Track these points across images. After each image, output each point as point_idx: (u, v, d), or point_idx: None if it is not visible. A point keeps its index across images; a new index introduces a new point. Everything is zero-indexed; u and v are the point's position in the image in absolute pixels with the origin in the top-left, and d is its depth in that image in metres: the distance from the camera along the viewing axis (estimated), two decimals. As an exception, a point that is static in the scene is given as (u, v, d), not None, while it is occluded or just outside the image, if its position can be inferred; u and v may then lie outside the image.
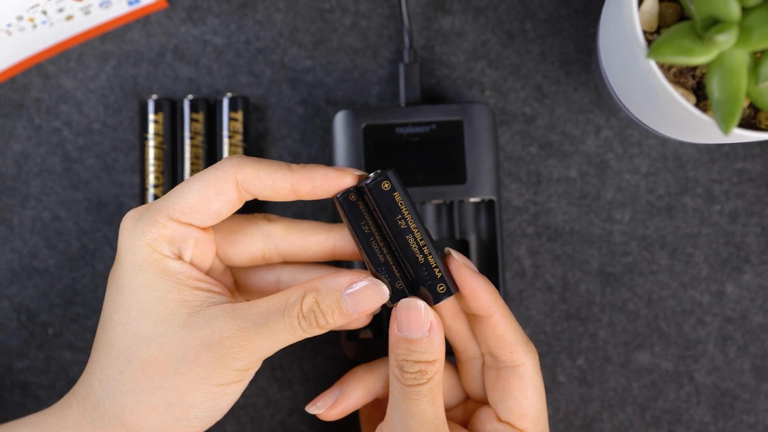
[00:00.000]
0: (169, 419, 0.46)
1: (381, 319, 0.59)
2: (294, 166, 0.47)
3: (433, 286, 0.46)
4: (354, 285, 0.46)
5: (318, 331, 0.46)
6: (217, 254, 0.50)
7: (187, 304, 0.46)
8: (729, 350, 0.60)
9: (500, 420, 0.50)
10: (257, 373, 0.60)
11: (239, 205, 0.47)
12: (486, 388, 0.51)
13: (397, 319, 0.47)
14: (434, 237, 0.59)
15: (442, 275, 0.47)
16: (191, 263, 0.47)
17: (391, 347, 0.47)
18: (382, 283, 0.47)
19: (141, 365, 0.46)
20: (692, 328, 0.60)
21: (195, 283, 0.46)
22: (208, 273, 0.49)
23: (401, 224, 0.46)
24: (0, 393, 0.60)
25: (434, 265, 0.46)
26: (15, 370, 0.60)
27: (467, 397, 0.53)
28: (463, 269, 0.47)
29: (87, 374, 0.48)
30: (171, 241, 0.46)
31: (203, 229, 0.47)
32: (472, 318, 0.50)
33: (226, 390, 0.46)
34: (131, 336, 0.46)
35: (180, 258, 0.46)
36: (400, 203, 0.46)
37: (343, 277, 0.46)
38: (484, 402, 0.52)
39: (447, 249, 0.48)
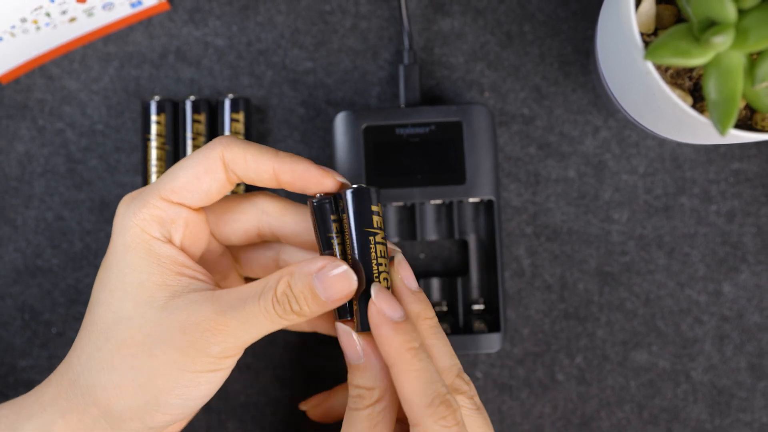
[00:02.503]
0: (140, 402, 0.45)
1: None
2: (281, 154, 0.47)
3: (364, 313, 0.46)
4: (325, 270, 0.45)
5: (295, 318, 0.46)
6: (213, 234, 0.50)
7: (168, 287, 0.46)
8: (726, 349, 0.61)
9: None
10: (259, 372, 0.60)
11: (229, 187, 0.47)
12: None
13: (342, 345, 0.47)
14: (434, 237, 0.59)
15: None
16: (181, 247, 0.47)
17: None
18: (354, 273, 0.46)
19: (117, 345, 0.45)
20: (689, 327, 0.61)
21: (179, 269, 0.46)
22: (204, 255, 0.50)
23: (369, 240, 0.46)
24: (4, 391, 0.60)
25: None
26: (19, 369, 0.61)
27: None
28: (373, 316, 0.45)
29: (70, 353, 0.48)
30: (161, 222, 0.46)
31: (195, 210, 0.47)
32: None
33: (200, 378, 0.45)
34: (112, 315, 0.46)
35: (169, 241, 0.47)
36: (376, 221, 0.46)
37: (318, 263, 0.46)
38: None
39: (395, 256, 0.47)
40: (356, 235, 0.46)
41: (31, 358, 0.61)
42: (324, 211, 0.46)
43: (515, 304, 0.61)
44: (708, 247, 0.61)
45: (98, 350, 0.46)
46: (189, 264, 0.47)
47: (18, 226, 0.61)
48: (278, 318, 0.45)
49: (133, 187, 0.61)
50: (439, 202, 0.59)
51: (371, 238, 0.46)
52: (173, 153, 0.60)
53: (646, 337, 0.61)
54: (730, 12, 0.44)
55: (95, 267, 0.61)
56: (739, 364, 0.60)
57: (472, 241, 0.59)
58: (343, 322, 0.47)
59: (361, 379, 0.46)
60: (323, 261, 0.46)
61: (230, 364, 0.46)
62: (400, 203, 0.58)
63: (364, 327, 0.46)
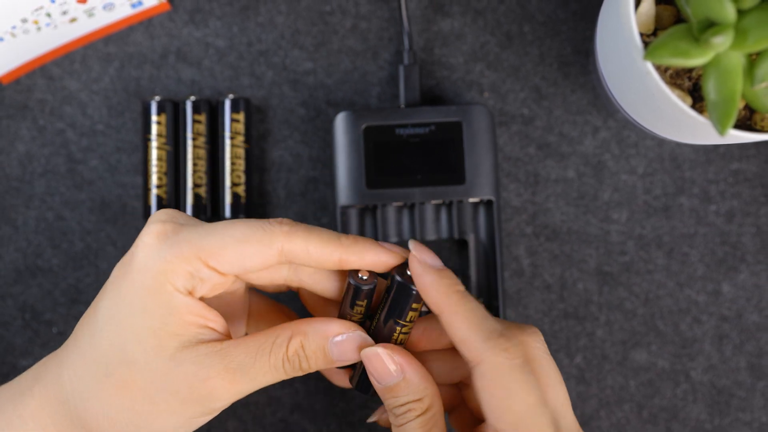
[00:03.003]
0: None
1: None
2: (344, 240, 0.46)
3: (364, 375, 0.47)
4: (342, 335, 0.46)
5: (299, 374, 0.46)
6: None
7: (179, 337, 0.45)
8: (725, 349, 0.61)
9: (492, 428, 0.45)
10: (259, 372, 0.60)
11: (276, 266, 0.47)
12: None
13: (369, 371, 0.46)
14: (433, 237, 0.59)
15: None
16: (200, 297, 0.46)
17: (382, 398, 0.47)
18: (369, 338, 0.46)
19: (119, 384, 0.45)
20: (688, 326, 0.61)
21: (194, 319, 0.45)
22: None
23: (396, 329, 0.47)
24: (4, 391, 0.61)
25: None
26: (19, 368, 0.61)
27: None
28: (415, 265, 0.46)
29: (59, 364, 0.46)
30: (189, 278, 0.44)
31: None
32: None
33: (197, 421, 0.46)
34: (117, 354, 0.45)
35: (190, 294, 0.45)
36: (410, 316, 0.46)
37: (333, 325, 0.46)
38: None
39: (411, 240, 0.47)
40: (385, 319, 0.46)
41: (32, 358, 0.61)
42: (363, 293, 0.46)
43: (515, 304, 0.61)
44: (707, 247, 0.61)
45: (97, 382, 0.45)
46: (204, 313, 0.45)
47: (18, 226, 0.61)
48: (284, 374, 0.46)
49: (134, 188, 0.61)
50: (438, 202, 0.59)
51: (398, 328, 0.47)
52: (174, 153, 0.60)
53: (646, 337, 0.61)
54: (730, 12, 0.44)
55: (96, 267, 0.61)
56: (738, 363, 0.61)
57: (471, 241, 0.59)
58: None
59: (406, 395, 0.45)
60: (340, 327, 0.46)
61: (224, 407, 0.46)
62: (400, 203, 0.58)
63: (360, 387, 0.48)
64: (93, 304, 0.46)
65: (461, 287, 0.45)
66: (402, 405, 0.45)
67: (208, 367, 0.44)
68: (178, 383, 0.44)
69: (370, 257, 0.46)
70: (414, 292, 0.45)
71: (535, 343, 0.45)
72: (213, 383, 0.44)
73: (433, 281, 0.45)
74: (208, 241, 0.44)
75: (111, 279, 0.46)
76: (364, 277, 0.46)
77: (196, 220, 0.46)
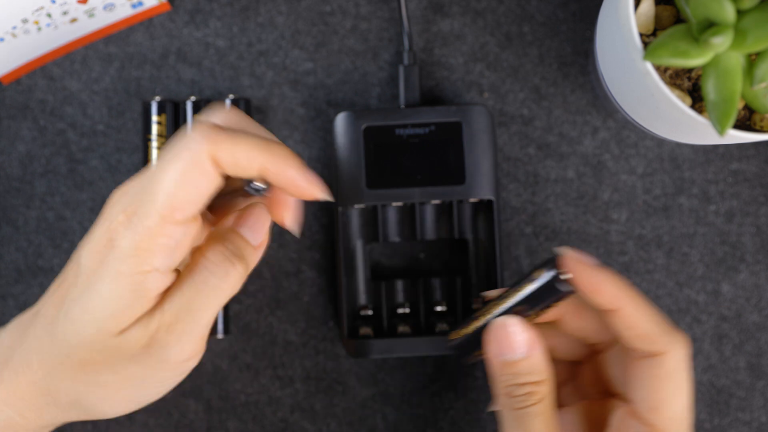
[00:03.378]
0: (107, 406, 0.47)
1: (381, 318, 0.59)
2: (273, 149, 0.44)
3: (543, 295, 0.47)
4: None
5: (241, 269, 0.45)
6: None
7: (137, 316, 0.44)
8: (724, 348, 0.61)
9: (635, 416, 0.47)
10: (259, 372, 0.61)
11: (222, 185, 0.45)
12: (625, 379, 0.48)
13: (492, 342, 0.45)
14: (433, 237, 0.60)
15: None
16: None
17: (495, 373, 0.46)
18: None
19: (80, 363, 0.45)
20: (688, 326, 0.61)
21: (159, 298, 0.45)
22: None
23: (530, 312, 0.47)
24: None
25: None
26: (20, 369, 0.61)
27: (606, 392, 0.51)
28: (579, 266, 0.46)
29: (27, 350, 0.46)
30: (169, 252, 0.43)
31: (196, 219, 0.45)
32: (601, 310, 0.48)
33: (165, 384, 0.47)
34: (76, 337, 0.44)
35: (169, 271, 0.44)
36: (549, 306, 0.47)
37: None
38: (623, 397, 0.49)
39: (558, 249, 0.47)
40: (516, 305, 0.47)
41: (33, 358, 0.61)
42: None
43: (515, 304, 0.61)
44: (707, 247, 0.61)
45: (60, 364, 0.45)
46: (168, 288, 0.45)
47: (19, 226, 0.61)
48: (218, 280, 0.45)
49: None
50: (438, 202, 0.59)
51: (527, 317, 0.47)
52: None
53: (645, 337, 0.61)
54: (729, 13, 0.44)
55: (96, 267, 0.61)
56: (737, 363, 0.61)
57: (471, 241, 0.60)
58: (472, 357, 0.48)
59: (527, 374, 0.45)
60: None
61: (192, 365, 0.46)
62: (400, 203, 0.58)
63: (460, 351, 0.48)
64: (65, 269, 0.46)
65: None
66: (522, 385, 0.45)
67: (119, 297, 0.44)
68: (134, 351, 0.44)
69: (289, 176, 0.44)
70: (568, 293, 0.46)
71: (682, 351, 0.47)
72: (160, 335, 0.44)
73: (607, 279, 0.46)
74: (157, 195, 0.43)
75: (82, 250, 0.45)
76: (260, 185, 0.46)
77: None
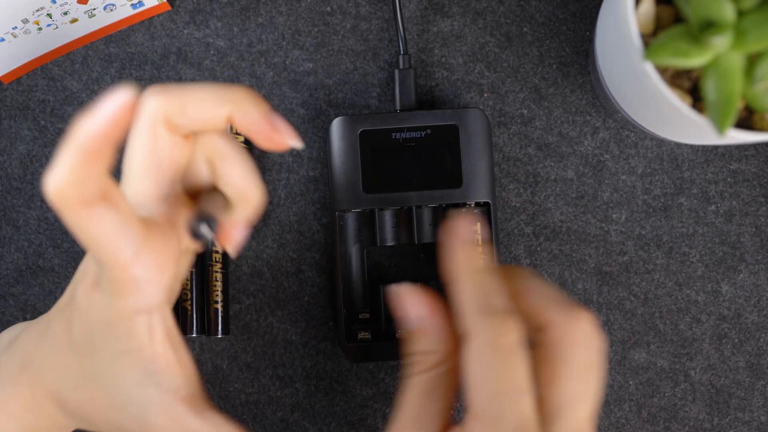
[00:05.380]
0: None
1: (380, 322, 0.59)
2: (236, 92, 0.42)
3: None
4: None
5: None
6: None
7: (141, 374, 0.44)
8: (724, 348, 0.61)
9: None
10: (259, 371, 0.61)
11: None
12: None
13: (399, 307, 0.43)
14: (431, 240, 0.59)
15: None
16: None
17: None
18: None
19: (86, 398, 0.46)
20: (688, 326, 0.61)
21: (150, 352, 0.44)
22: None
23: None
24: (5, 391, 0.61)
25: None
26: (20, 369, 0.61)
27: None
28: (451, 232, 0.42)
29: (45, 368, 0.47)
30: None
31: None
32: None
33: None
34: (89, 368, 0.45)
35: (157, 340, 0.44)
36: None
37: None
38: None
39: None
40: None
41: (33, 358, 0.61)
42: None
43: (515, 304, 0.61)
44: (706, 247, 0.61)
45: (72, 390, 0.46)
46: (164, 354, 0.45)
47: (20, 226, 0.61)
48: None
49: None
50: (435, 205, 0.59)
51: None
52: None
53: (645, 337, 0.61)
54: (729, 13, 0.44)
55: (96, 267, 0.61)
56: (737, 363, 0.61)
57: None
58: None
59: (420, 344, 0.42)
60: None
61: None
62: (397, 207, 0.58)
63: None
64: (70, 318, 0.46)
65: (482, 263, 0.41)
66: (414, 353, 0.42)
67: (147, 419, 0.44)
68: (128, 419, 0.45)
69: (254, 121, 0.42)
70: None
71: (569, 328, 0.40)
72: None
73: (457, 249, 0.41)
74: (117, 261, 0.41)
75: (83, 301, 0.45)
76: (207, 233, 0.43)
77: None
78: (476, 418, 0.38)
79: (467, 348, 0.39)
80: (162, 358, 0.44)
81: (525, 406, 0.38)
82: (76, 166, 0.37)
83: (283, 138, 0.43)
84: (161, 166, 0.43)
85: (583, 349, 0.40)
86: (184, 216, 0.44)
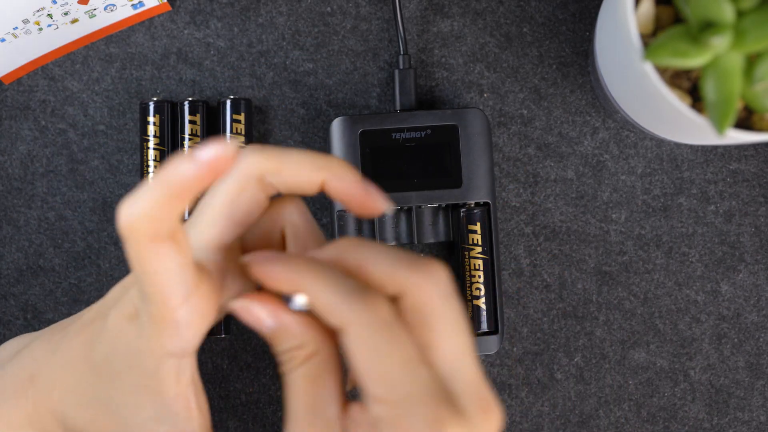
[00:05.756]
0: None
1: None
2: (331, 160, 0.42)
3: None
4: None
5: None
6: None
7: (157, 412, 0.44)
8: (723, 348, 0.61)
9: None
10: (260, 371, 0.61)
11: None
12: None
13: (244, 321, 0.42)
14: (431, 240, 0.60)
15: None
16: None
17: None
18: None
19: (91, 419, 0.45)
20: (687, 326, 0.61)
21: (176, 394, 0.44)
22: None
23: None
24: (6, 391, 0.61)
25: None
26: (21, 368, 0.61)
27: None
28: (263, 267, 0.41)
29: (50, 383, 0.47)
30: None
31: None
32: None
33: None
34: (102, 391, 0.44)
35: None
36: None
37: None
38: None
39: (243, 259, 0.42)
40: None
41: (34, 358, 0.61)
42: None
43: (514, 304, 0.61)
44: (706, 247, 0.61)
45: (77, 408, 0.46)
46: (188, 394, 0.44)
47: (20, 226, 0.61)
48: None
49: (135, 188, 0.61)
50: (435, 205, 0.59)
51: None
52: (168, 153, 0.60)
53: (645, 336, 0.61)
54: (728, 13, 0.44)
55: (97, 266, 0.61)
56: (737, 363, 0.61)
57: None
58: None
59: (284, 342, 0.41)
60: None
61: None
62: (397, 207, 0.59)
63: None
64: (93, 336, 0.45)
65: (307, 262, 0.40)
66: (283, 353, 0.41)
67: None
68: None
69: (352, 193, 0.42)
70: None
71: (423, 287, 0.39)
72: None
73: (280, 264, 0.40)
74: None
75: (114, 326, 0.44)
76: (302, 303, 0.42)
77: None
78: (381, 402, 0.38)
79: (349, 340, 0.38)
80: (183, 401, 0.43)
81: (425, 374, 0.38)
82: (159, 202, 0.37)
83: (376, 204, 0.43)
84: (234, 217, 0.43)
85: (447, 303, 0.39)
86: (232, 269, 0.44)
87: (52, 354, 0.47)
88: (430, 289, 0.39)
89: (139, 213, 0.37)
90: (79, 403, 0.46)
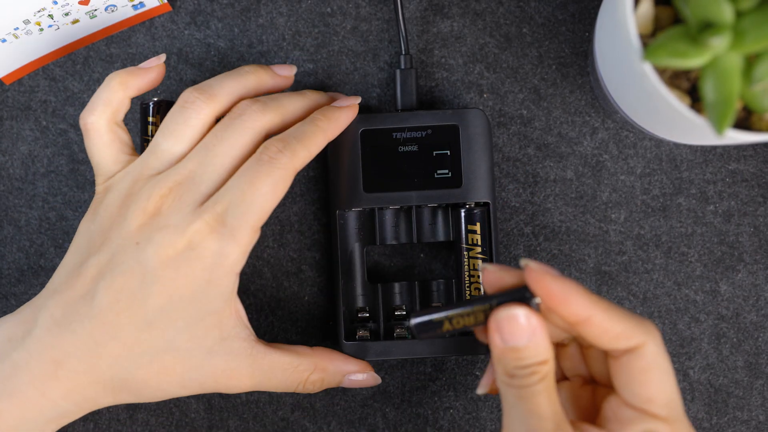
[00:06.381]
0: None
1: (379, 320, 0.59)
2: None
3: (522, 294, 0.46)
4: (359, 375, 0.56)
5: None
6: None
7: (219, 330, 0.50)
8: (723, 348, 0.61)
9: (630, 406, 0.47)
10: (260, 371, 0.61)
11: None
12: (610, 374, 0.48)
13: (499, 331, 0.46)
14: (431, 240, 0.60)
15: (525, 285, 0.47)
16: None
17: (497, 358, 0.46)
18: (377, 376, 0.57)
19: (159, 370, 0.50)
20: (686, 326, 0.61)
21: (237, 312, 0.52)
22: None
23: None
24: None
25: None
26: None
27: (589, 377, 0.52)
28: (546, 280, 0.46)
29: (96, 355, 0.50)
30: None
31: None
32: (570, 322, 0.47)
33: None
34: (163, 343, 0.50)
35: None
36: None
37: (351, 365, 0.56)
38: (611, 386, 0.49)
39: (523, 261, 0.46)
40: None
41: (34, 357, 0.61)
42: None
43: (514, 304, 0.61)
44: (705, 247, 0.61)
45: (138, 368, 0.50)
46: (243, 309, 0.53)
47: (21, 226, 0.61)
48: (298, 391, 0.55)
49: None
50: (435, 205, 0.59)
51: None
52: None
53: (644, 336, 0.61)
54: (727, 13, 0.44)
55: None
56: (736, 362, 0.61)
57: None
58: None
59: (532, 356, 0.45)
60: (357, 366, 0.56)
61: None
62: (397, 206, 0.59)
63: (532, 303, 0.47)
64: (136, 295, 0.50)
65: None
66: (525, 367, 0.45)
67: (235, 368, 0.51)
68: (207, 374, 0.51)
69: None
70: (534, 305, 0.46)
71: (654, 343, 0.47)
72: (235, 381, 0.52)
73: (574, 289, 0.46)
74: (252, 211, 0.51)
75: (164, 273, 0.49)
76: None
77: None
78: (661, 420, 0.47)
79: (639, 357, 0.46)
80: (237, 314, 0.52)
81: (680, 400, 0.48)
82: None
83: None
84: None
85: (665, 356, 0.47)
86: None
87: (66, 336, 0.50)
88: (660, 338, 0.47)
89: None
90: (137, 365, 0.50)
